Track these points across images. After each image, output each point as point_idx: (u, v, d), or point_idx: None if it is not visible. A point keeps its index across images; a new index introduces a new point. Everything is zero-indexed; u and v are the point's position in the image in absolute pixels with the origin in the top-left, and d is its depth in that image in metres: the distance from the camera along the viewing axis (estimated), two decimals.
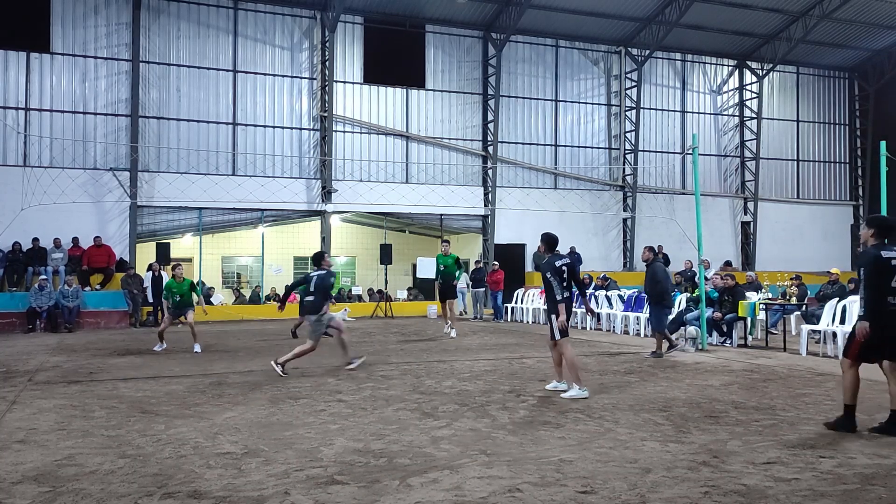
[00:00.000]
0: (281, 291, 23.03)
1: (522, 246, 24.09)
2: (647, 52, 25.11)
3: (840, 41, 26.98)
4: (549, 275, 7.98)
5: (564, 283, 8.00)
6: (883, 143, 14.71)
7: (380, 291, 23.13)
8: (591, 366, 10.32)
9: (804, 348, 11.57)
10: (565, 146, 25.03)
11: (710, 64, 27.19)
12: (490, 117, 23.67)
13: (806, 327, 12.09)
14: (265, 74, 21.67)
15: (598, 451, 5.51)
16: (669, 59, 26.42)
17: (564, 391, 7.95)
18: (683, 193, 26.02)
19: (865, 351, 6.01)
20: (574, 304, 9.35)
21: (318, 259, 10.29)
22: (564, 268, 8.06)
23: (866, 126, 28.90)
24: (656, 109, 26.29)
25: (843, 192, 29.29)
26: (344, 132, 22.38)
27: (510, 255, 23.38)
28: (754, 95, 27.22)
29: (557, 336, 8.00)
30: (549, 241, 8.36)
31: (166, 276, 19.16)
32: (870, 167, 28.10)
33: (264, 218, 21.67)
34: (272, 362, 9.53)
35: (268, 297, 22.68)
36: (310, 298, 9.87)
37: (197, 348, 12.47)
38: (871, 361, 6.07)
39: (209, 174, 20.75)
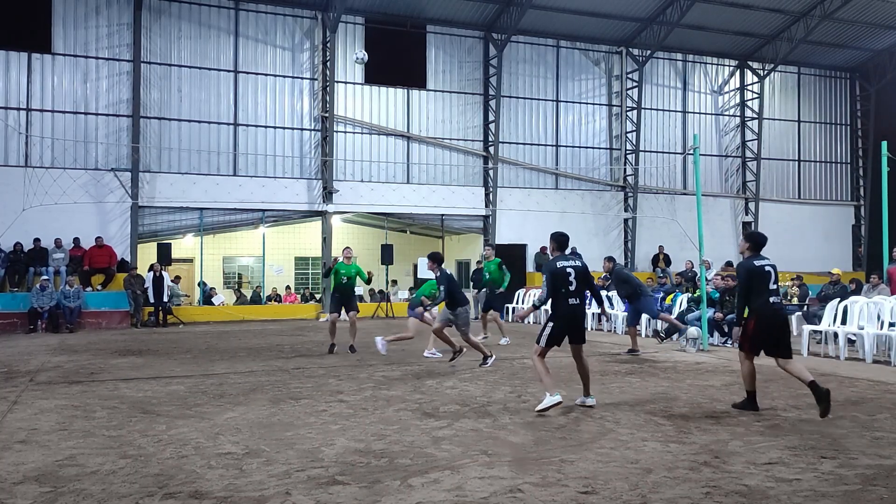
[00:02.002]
0: (282, 292, 23.12)
1: (523, 246, 24.07)
2: (649, 52, 25.10)
3: (841, 41, 26.95)
4: (545, 276, 7.20)
5: (572, 288, 7.08)
6: (884, 144, 14.74)
7: (381, 292, 23.15)
8: (592, 366, 10.28)
9: (805, 349, 11.55)
10: (566, 146, 25.02)
11: (712, 64, 27.17)
12: (491, 118, 23.66)
13: (807, 328, 12.08)
14: (266, 75, 21.67)
15: (599, 451, 5.52)
16: (670, 59, 26.41)
17: (592, 406, 7.15)
18: (684, 194, 26.00)
19: (756, 345, 6.98)
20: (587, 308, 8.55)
21: None
22: (571, 270, 7.10)
23: (868, 126, 28.86)
24: (657, 110, 26.27)
25: (844, 192, 29.26)
26: (345, 133, 22.37)
27: (511, 256, 23.34)
28: (755, 96, 27.20)
29: (539, 341, 7.12)
30: (558, 239, 7.46)
31: (167, 277, 19.21)
32: (871, 167, 28.07)
33: (265, 218, 21.66)
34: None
35: (269, 298, 22.69)
36: None
37: (379, 345, 10.82)
38: (758, 354, 7.05)
39: (210, 174, 20.77)
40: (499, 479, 4.79)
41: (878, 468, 5.01)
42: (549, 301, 7.20)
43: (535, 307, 7.47)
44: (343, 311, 12.27)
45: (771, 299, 6.96)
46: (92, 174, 19.58)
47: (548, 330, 7.11)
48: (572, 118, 25.15)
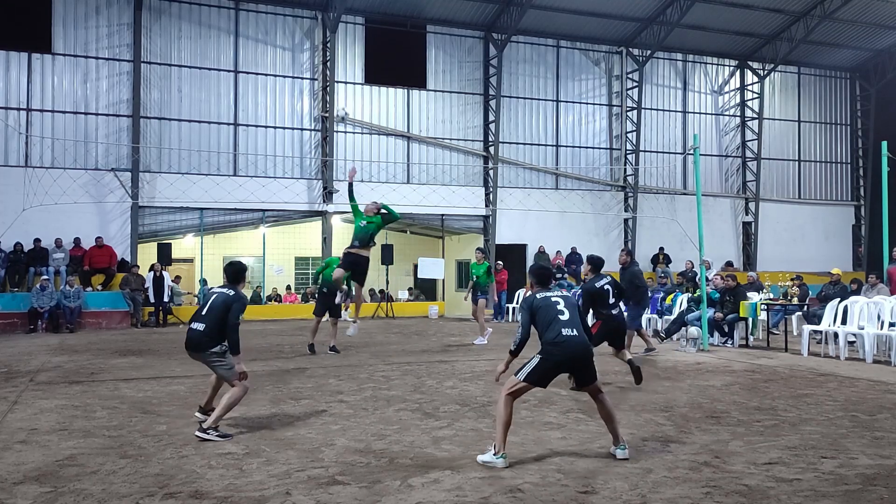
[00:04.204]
0: (282, 292, 23.10)
1: (524, 246, 24.07)
2: (649, 52, 25.09)
3: (841, 41, 26.95)
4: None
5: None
6: (884, 144, 14.74)
7: (381, 291, 23.15)
8: None
9: (805, 349, 11.56)
10: (566, 146, 25.02)
11: (712, 64, 27.16)
12: (491, 118, 23.66)
13: (807, 328, 12.08)
14: (266, 75, 21.67)
15: (599, 451, 5.52)
16: (671, 59, 26.40)
17: (625, 458, 5.35)
18: (685, 194, 26.00)
19: (597, 341, 8.21)
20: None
21: None
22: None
23: (868, 126, 28.86)
24: (657, 110, 26.27)
25: (844, 192, 29.26)
26: (345, 132, 22.37)
27: (511, 256, 23.37)
28: (756, 96, 27.19)
29: (519, 374, 5.36)
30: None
31: (168, 277, 19.20)
32: (871, 167, 28.07)
33: (265, 218, 21.66)
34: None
35: (269, 298, 22.69)
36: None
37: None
38: (597, 345, 8.42)
39: (210, 174, 20.75)
40: (499, 479, 4.80)
41: (878, 468, 5.01)
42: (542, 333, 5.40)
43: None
44: (327, 314, 12.35)
45: (613, 311, 8.65)
46: (92, 174, 19.57)
47: (532, 363, 5.30)
48: (572, 118, 25.15)
